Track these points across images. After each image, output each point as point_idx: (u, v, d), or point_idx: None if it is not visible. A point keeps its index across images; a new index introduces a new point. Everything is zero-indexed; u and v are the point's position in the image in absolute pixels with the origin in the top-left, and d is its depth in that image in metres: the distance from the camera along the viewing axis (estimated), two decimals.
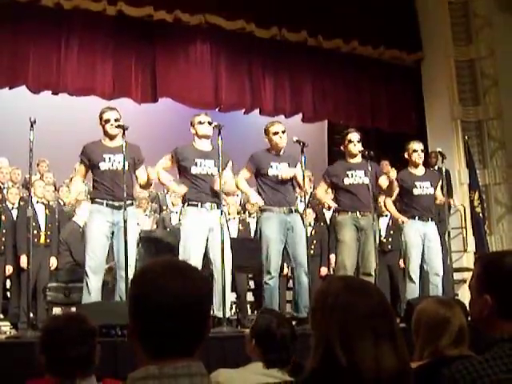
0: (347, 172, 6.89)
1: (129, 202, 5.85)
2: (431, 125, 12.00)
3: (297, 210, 6.58)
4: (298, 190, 7.04)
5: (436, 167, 9.67)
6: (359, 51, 11.61)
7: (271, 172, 6.51)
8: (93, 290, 5.79)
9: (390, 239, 8.90)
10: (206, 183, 6.19)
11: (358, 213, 6.82)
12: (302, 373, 1.81)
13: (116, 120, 6.03)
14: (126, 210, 5.68)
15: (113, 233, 5.92)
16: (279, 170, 6.50)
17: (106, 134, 6.12)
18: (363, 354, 1.66)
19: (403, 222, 7.27)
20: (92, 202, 6.10)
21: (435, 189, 7.41)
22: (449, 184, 9.71)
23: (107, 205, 5.93)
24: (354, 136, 6.97)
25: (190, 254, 5.97)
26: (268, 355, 3.02)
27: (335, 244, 7.06)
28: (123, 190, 5.72)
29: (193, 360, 1.53)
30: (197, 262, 5.82)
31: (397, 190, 7.28)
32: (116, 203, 5.91)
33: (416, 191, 7.28)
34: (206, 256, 6.17)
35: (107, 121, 6.06)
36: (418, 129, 12.00)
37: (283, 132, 6.57)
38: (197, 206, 6.18)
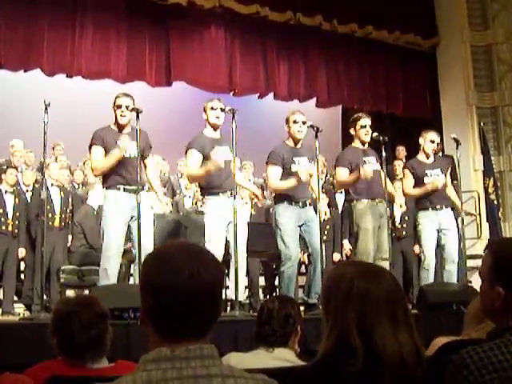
0: (363, 158, 6.83)
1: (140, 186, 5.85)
2: (446, 110, 11.93)
3: (310, 204, 6.60)
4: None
5: (440, 154, 9.54)
6: (374, 36, 11.54)
7: (294, 168, 6.51)
8: (111, 275, 5.82)
9: (404, 225, 8.87)
10: (224, 169, 6.21)
11: (376, 199, 6.79)
12: (313, 357, 1.81)
13: (127, 107, 5.95)
14: (140, 194, 5.69)
15: (131, 217, 5.92)
16: (300, 166, 6.50)
17: (115, 120, 6.07)
18: (384, 338, 1.67)
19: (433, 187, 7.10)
20: (106, 189, 6.05)
21: (445, 175, 7.35)
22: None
23: (124, 189, 5.95)
24: (366, 121, 6.91)
25: (215, 243, 6.02)
26: (268, 337, 3.05)
27: (356, 231, 6.84)
28: (135, 175, 5.72)
29: (205, 342, 1.54)
30: (220, 249, 5.99)
31: (410, 180, 7.29)
32: (130, 188, 5.91)
33: (427, 179, 7.22)
34: None
35: (119, 106, 6.01)
36: (433, 114, 11.95)
37: (303, 123, 6.54)
38: (218, 194, 6.21)
